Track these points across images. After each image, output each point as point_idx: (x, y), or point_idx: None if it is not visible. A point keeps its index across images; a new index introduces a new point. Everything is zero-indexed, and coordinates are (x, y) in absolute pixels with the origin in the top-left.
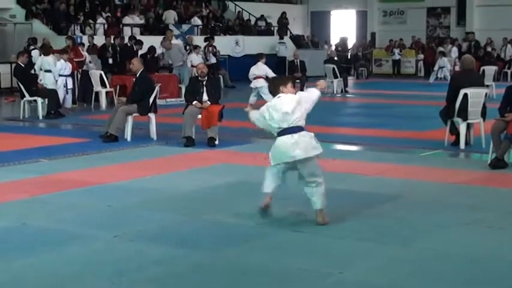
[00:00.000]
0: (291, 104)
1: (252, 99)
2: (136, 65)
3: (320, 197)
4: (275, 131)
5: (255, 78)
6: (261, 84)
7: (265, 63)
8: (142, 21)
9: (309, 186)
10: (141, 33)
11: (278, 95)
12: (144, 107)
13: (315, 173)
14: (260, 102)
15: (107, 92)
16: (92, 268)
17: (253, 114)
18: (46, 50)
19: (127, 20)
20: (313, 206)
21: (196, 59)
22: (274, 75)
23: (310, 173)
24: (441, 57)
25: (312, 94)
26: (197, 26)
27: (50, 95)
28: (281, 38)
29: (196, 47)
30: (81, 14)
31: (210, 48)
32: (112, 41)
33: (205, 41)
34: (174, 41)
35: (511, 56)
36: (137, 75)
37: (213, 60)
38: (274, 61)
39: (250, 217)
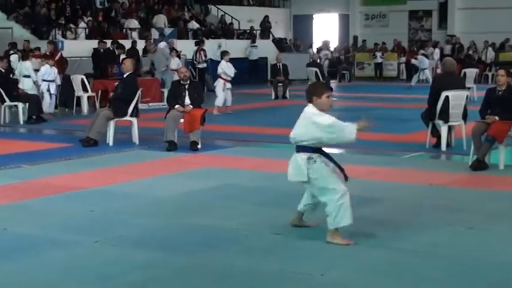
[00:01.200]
0: (300, 128)
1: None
2: (128, 66)
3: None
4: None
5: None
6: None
7: (237, 67)
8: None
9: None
10: (125, 37)
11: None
12: (121, 110)
13: (316, 194)
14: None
15: (88, 97)
16: (74, 274)
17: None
18: (25, 54)
19: (129, 23)
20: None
21: (174, 63)
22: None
23: (317, 193)
24: (422, 59)
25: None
26: (193, 29)
27: (31, 100)
28: (253, 41)
29: (175, 50)
30: (62, 18)
31: (202, 52)
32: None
33: (195, 44)
34: (160, 45)
35: (492, 58)
36: (124, 76)
37: (202, 64)
38: (246, 65)
39: (232, 220)
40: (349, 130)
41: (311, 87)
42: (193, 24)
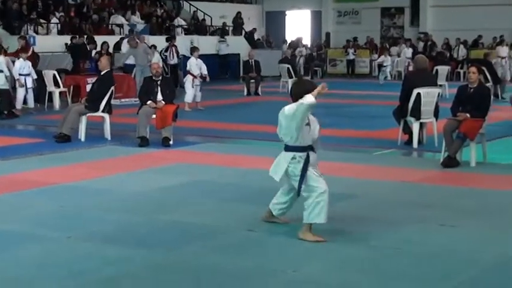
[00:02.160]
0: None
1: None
2: (104, 64)
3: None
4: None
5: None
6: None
7: (210, 63)
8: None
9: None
10: (98, 33)
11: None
12: (95, 104)
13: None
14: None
15: (60, 92)
16: (46, 269)
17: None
18: None
19: (115, 19)
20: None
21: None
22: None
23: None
24: (386, 56)
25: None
26: (180, 26)
27: (2, 95)
28: (221, 37)
29: (153, 46)
30: (34, 13)
31: (174, 48)
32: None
33: (167, 40)
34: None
35: (464, 56)
36: (101, 73)
37: (174, 60)
38: (217, 60)
39: (205, 216)
40: (307, 99)
41: (296, 88)
42: (179, 21)
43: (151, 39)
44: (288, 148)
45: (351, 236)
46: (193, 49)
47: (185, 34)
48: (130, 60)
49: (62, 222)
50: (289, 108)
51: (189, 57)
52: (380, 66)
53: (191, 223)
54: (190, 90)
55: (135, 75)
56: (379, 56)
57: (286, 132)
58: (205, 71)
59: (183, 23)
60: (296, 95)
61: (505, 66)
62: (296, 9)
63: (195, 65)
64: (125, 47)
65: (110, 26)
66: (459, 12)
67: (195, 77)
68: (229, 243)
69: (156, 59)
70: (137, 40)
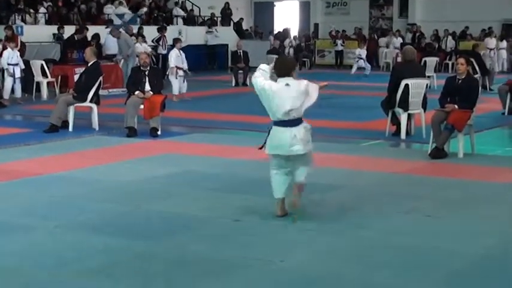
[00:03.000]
0: (300, 99)
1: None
2: (88, 55)
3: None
4: (271, 116)
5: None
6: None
7: (198, 54)
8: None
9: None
10: (84, 23)
11: (287, 82)
12: (83, 94)
13: (307, 164)
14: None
15: (48, 82)
16: (33, 259)
17: (258, 75)
18: None
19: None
20: (295, 178)
21: (140, 47)
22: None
23: (303, 163)
24: (362, 47)
25: (314, 94)
26: (179, 16)
27: None
28: (210, 27)
29: (141, 36)
30: (21, 3)
31: (165, 39)
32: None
33: (158, 31)
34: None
35: (452, 47)
36: (88, 64)
37: (164, 50)
38: (205, 51)
39: (192, 206)
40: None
41: (291, 63)
42: (178, 11)
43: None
44: (299, 121)
45: (338, 226)
46: (176, 40)
47: (173, 24)
48: (112, 51)
49: (49, 212)
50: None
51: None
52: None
53: (178, 213)
54: (175, 82)
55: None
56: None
57: (302, 110)
58: (186, 65)
59: (182, 13)
60: (285, 69)
61: (493, 57)
62: (285, 0)
63: (177, 57)
64: (107, 38)
65: (99, 16)
66: (448, 4)
67: (179, 68)
68: (215, 233)
69: (144, 49)
70: (120, 30)
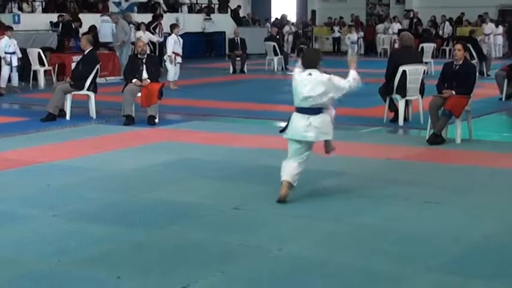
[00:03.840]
0: (319, 88)
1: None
2: (84, 43)
3: None
4: (294, 102)
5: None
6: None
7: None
8: None
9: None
10: (81, 11)
11: (309, 72)
12: (80, 82)
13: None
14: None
15: (45, 71)
16: (31, 247)
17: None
18: None
19: None
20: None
21: (143, 36)
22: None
23: (307, 150)
24: (352, 32)
25: (342, 84)
26: (185, 3)
27: None
28: (207, 15)
29: (141, 24)
30: None
31: (161, 26)
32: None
33: (153, 18)
34: (104, 18)
35: (449, 33)
36: (85, 53)
37: (160, 38)
38: (202, 38)
39: (190, 194)
40: (356, 79)
41: (316, 55)
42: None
43: (137, 17)
44: (320, 110)
45: (337, 213)
46: (173, 26)
47: (170, 12)
48: (108, 38)
49: (47, 200)
50: (343, 85)
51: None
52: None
53: (176, 201)
54: (172, 69)
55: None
56: (365, 34)
57: (325, 99)
58: (177, 50)
59: (187, 0)
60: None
61: (489, 43)
62: None
63: (174, 43)
64: (102, 26)
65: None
66: None
67: (176, 54)
68: (214, 221)
69: (143, 37)
70: (118, 16)
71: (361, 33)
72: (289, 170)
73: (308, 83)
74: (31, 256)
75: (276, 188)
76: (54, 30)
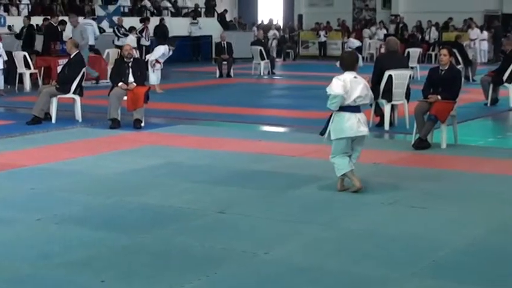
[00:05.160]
0: (365, 89)
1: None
2: (69, 47)
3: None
4: (338, 104)
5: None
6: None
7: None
8: None
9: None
10: (67, 14)
11: (354, 74)
12: (66, 86)
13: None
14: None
15: (31, 74)
16: (15, 251)
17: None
18: None
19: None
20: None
21: (133, 40)
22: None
23: (362, 144)
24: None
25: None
26: (167, 8)
27: None
28: (194, 18)
29: (132, 28)
30: None
31: (147, 30)
32: (42, 22)
33: (140, 22)
34: (86, 21)
35: (435, 38)
36: (71, 56)
37: (147, 42)
38: (189, 42)
39: (176, 199)
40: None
41: (355, 57)
42: (165, 3)
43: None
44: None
45: (322, 218)
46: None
47: (157, 16)
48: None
49: (31, 204)
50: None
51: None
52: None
53: (162, 205)
54: (153, 75)
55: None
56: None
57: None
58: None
59: (169, 4)
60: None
61: (474, 48)
62: None
63: (162, 54)
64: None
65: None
66: None
67: (158, 62)
68: (200, 225)
69: (130, 40)
70: (78, 20)
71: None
72: (344, 164)
73: (358, 84)
74: (15, 260)
75: (262, 192)
76: (41, 33)
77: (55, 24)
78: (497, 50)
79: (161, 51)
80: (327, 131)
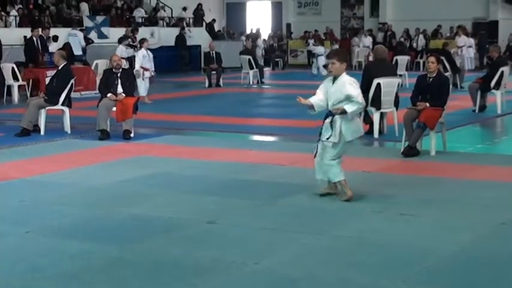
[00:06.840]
0: None
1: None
2: (56, 59)
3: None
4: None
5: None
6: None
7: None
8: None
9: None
10: (55, 26)
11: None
12: (55, 97)
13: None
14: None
15: (19, 86)
16: (4, 265)
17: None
18: None
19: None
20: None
21: (124, 51)
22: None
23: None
24: (319, 45)
25: None
26: (141, 17)
27: None
28: (182, 28)
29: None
30: None
31: (136, 41)
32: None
33: (130, 32)
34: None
35: (423, 46)
36: (59, 68)
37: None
38: (178, 52)
39: (165, 209)
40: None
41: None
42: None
43: (112, 32)
44: None
45: (312, 226)
46: (142, 41)
47: (145, 26)
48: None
49: (20, 217)
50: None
51: (149, 49)
52: (314, 55)
53: (151, 216)
54: (142, 83)
55: None
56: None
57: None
58: (152, 66)
59: (143, 14)
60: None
61: (462, 55)
62: (257, 0)
63: (143, 57)
64: (70, 40)
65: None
66: (419, 3)
67: (145, 69)
68: (189, 235)
69: (119, 51)
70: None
71: (336, 47)
72: (341, 169)
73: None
74: (4, 273)
75: (253, 201)
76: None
77: (45, 37)
78: (482, 57)
79: (140, 56)
80: (335, 134)
